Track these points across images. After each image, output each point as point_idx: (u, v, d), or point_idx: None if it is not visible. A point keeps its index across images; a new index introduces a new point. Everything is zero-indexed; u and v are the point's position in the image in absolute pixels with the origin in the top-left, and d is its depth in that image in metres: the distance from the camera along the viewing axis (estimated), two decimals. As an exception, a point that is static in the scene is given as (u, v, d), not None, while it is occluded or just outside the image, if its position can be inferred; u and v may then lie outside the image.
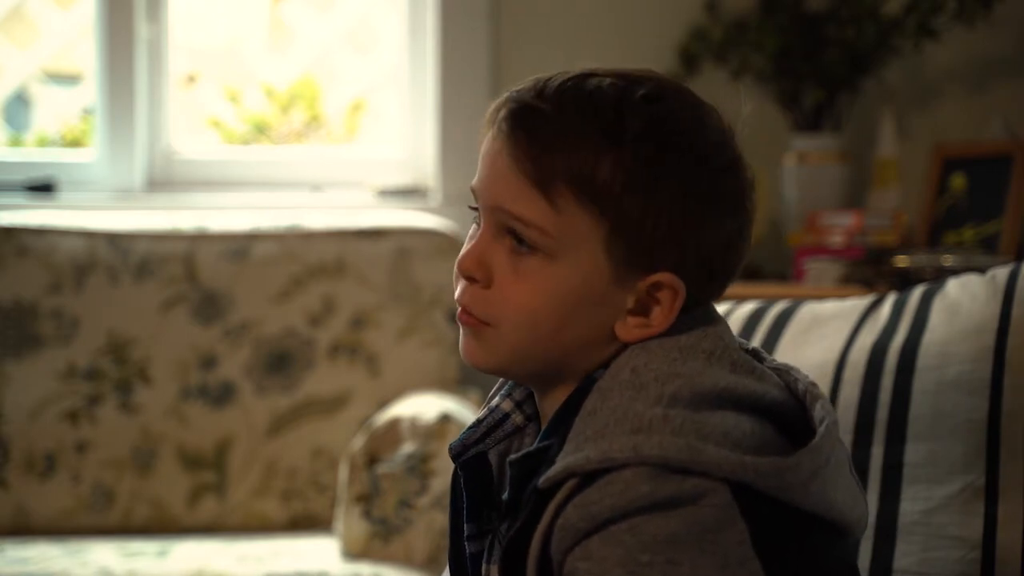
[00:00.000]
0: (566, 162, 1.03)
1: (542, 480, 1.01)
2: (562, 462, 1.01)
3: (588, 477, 0.99)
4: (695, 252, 1.05)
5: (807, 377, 1.11)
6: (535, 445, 1.07)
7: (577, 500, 0.99)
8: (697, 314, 1.08)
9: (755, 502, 1.00)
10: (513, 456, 1.08)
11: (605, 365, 1.06)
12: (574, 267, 1.04)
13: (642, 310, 1.06)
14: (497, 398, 1.15)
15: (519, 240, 1.05)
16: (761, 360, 1.12)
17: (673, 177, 1.04)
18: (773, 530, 1.01)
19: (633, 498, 0.98)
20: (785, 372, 1.11)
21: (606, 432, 1.00)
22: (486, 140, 1.07)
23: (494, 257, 1.06)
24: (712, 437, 1.00)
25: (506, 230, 1.05)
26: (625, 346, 1.06)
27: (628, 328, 1.06)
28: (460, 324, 1.08)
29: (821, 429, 1.05)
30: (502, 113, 1.06)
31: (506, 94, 1.07)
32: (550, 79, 1.06)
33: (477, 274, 1.06)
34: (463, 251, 1.07)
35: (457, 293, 1.08)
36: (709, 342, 1.06)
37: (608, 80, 1.05)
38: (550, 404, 1.09)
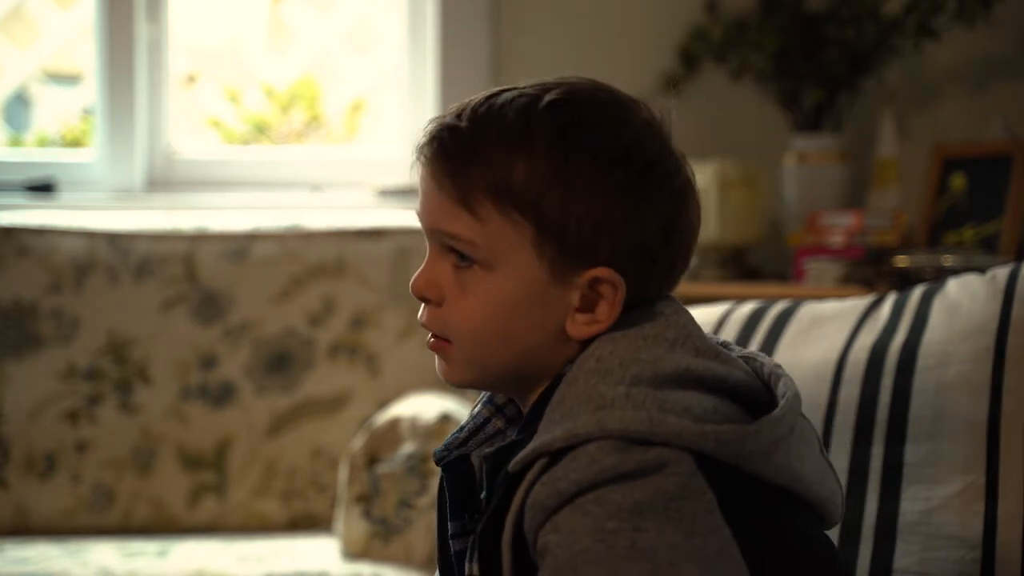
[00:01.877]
0: (481, 174, 1.08)
1: (512, 463, 1.05)
2: (530, 445, 1.04)
3: (555, 456, 1.02)
4: (626, 244, 1.09)
5: (772, 361, 1.14)
6: (509, 439, 1.11)
7: (545, 478, 1.02)
8: (659, 306, 1.11)
9: (719, 472, 1.02)
10: (487, 450, 1.11)
11: (572, 361, 1.09)
12: (511, 273, 1.09)
13: (588, 307, 1.09)
14: (479, 405, 1.19)
15: (460, 256, 1.10)
16: (729, 349, 1.15)
17: (586, 175, 1.07)
18: (739, 500, 1.03)
19: (598, 471, 1.00)
20: (751, 359, 1.14)
21: (571, 414, 1.04)
22: (419, 167, 1.12)
23: (441, 276, 1.11)
24: (673, 411, 1.03)
25: (447, 248, 1.10)
26: (589, 343, 1.09)
27: (578, 326, 1.10)
28: (429, 349, 1.13)
29: (782, 401, 1.08)
30: (424, 139, 1.11)
31: (430, 122, 1.12)
32: (470, 101, 1.11)
33: (428, 294, 1.11)
34: (414, 275, 1.12)
35: (419, 314, 1.13)
36: (672, 331, 1.09)
37: (519, 91, 1.10)
38: (529, 404, 1.12)
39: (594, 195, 1.07)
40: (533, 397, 1.11)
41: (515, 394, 1.15)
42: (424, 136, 1.11)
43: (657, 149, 1.11)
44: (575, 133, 1.08)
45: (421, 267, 1.12)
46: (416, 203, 1.13)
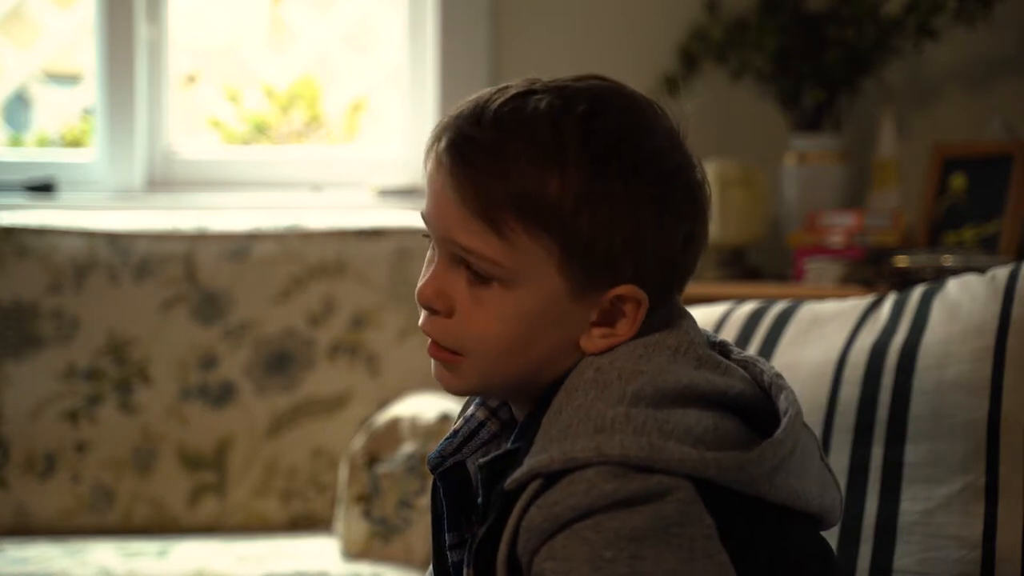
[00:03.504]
0: (509, 190, 1.03)
1: (508, 482, 1.02)
2: (527, 463, 1.02)
3: (552, 477, 1.00)
4: (652, 260, 1.06)
5: (772, 368, 1.12)
6: (504, 448, 1.08)
7: (541, 501, 1.00)
8: (663, 311, 1.08)
9: (720, 497, 1.01)
10: (482, 460, 1.08)
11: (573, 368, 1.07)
12: (532, 292, 1.05)
13: (607, 321, 1.06)
14: (472, 407, 1.15)
15: (474, 270, 1.05)
16: (728, 353, 1.13)
17: (621, 191, 1.04)
18: (740, 523, 1.02)
19: (596, 497, 0.98)
20: (751, 364, 1.12)
21: (569, 432, 1.01)
22: (429, 168, 1.07)
23: (453, 287, 1.06)
24: (674, 434, 1.00)
25: (460, 260, 1.06)
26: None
27: (593, 340, 1.07)
28: (431, 357, 1.09)
29: (784, 421, 1.06)
30: (442, 144, 1.05)
31: (445, 120, 1.07)
32: (488, 102, 1.05)
33: (437, 305, 1.07)
34: (421, 281, 1.08)
35: (421, 321, 1.08)
36: (674, 338, 1.07)
37: (546, 99, 1.05)
38: (525, 410, 1.10)
39: (624, 214, 1.03)
40: (530, 402, 1.09)
41: (513, 400, 1.12)
42: (442, 139, 1.05)
43: (680, 159, 1.07)
44: (607, 148, 1.03)
45: (428, 274, 1.07)
46: (423, 205, 1.08)
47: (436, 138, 1.07)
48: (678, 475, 0.99)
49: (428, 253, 1.10)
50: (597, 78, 1.09)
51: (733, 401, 1.06)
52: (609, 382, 1.03)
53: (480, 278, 1.05)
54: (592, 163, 1.03)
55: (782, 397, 1.08)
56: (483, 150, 1.04)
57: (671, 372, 1.04)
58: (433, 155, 1.07)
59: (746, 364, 1.12)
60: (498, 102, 1.05)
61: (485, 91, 1.07)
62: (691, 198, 1.08)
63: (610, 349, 1.06)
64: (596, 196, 1.03)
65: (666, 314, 1.09)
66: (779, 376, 1.11)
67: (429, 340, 1.08)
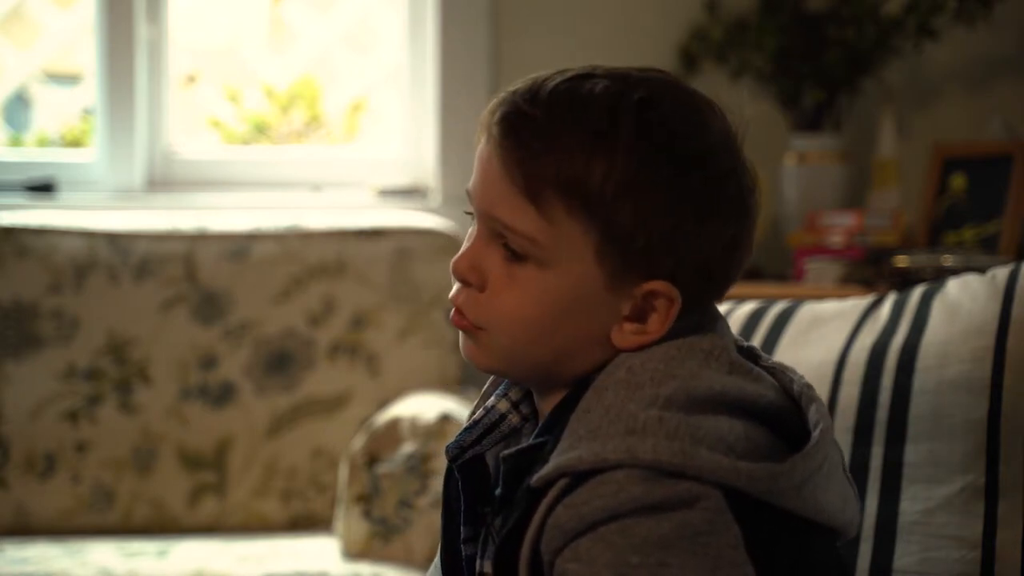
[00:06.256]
0: (555, 170, 1.02)
1: (535, 479, 1.01)
2: (554, 461, 1.01)
3: (580, 477, 0.99)
4: (691, 259, 1.05)
5: (802, 378, 1.10)
6: (530, 441, 1.07)
7: (568, 500, 0.99)
8: (697, 313, 1.07)
9: (748, 506, 1.00)
10: (507, 452, 1.07)
11: (603, 366, 1.05)
12: (566, 275, 1.04)
13: (638, 317, 1.05)
14: (493, 398, 1.14)
15: (511, 247, 1.04)
16: (757, 359, 1.11)
17: (667, 185, 1.03)
18: (765, 534, 1.01)
19: (625, 500, 0.97)
20: (780, 372, 1.10)
21: (599, 432, 1.00)
22: (481, 143, 1.07)
23: (488, 262, 1.06)
24: (706, 441, 0.99)
25: (499, 236, 1.05)
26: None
27: (624, 335, 1.05)
28: (453, 325, 1.08)
29: (815, 435, 1.05)
30: (495, 117, 1.05)
31: (501, 95, 1.06)
32: (546, 80, 1.05)
33: (471, 278, 1.06)
34: (459, 253, 1.07)
35: (452, 293, 1.08)
36: (708, 342, 1.05)
37: (604, 83, 1.04)
38: (548, 404, 1.09)
39: (667, 207, 1.02)
40: (556, 397, 1.08)
41: (537, 389, 1.11)
42: (497, 114, 1.05)
43: (731, 163, 1.06)
44: (658, 140, 1.02)
45: (465, 246, 1.07)
46: (470, 180, 1.07)
47: (491, 112, 1.06)
48: (708, 483, 0.98)
49: (470, 229, 1.09)
50: (658, 71, 1.08)
51: (763, 411, 1.04)
52: (641, 384, 1.02)
53: (516, 255, 1.04)
54: (641, 153, 1.02)
55: (813, 408, 1.07)
56: (533, 126, 1.03)
57: (704, 377, 1.03)
58: (484, 128, 1.06)
59: (774, 371, 1.10)
60: (555, 81, 1.04)
61: (545, 71, 1.06)
62: (738, 203, 1.06)
63: (641, 348, 1.05)
64: (641, 186, 1.02)
65: (701, 316, 1.07)
66: (809, 387, 1.09)
67: (453, 309, 1.08)
